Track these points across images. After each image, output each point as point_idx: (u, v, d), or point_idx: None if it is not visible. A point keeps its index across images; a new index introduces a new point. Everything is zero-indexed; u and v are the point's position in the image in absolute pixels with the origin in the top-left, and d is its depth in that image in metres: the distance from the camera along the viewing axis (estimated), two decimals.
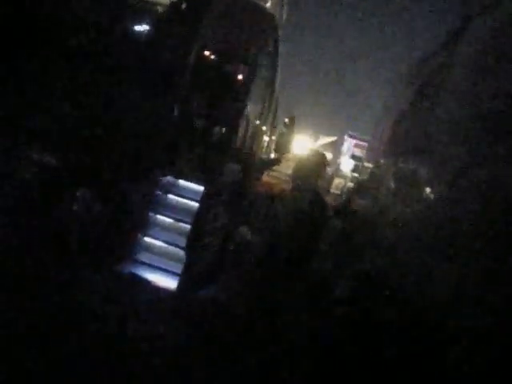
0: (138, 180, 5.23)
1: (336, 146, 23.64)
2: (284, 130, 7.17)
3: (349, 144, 21.56)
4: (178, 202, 5.52)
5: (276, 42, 6.33)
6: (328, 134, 24.77)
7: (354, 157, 19.76)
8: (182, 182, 5.60)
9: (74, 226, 5.11)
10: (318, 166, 3.38)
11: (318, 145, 23.93)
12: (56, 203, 5.35)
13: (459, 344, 2.56)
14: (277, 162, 6.90)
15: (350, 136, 21.61)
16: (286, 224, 3.18)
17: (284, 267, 3.13)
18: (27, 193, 5.35)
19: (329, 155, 21.06)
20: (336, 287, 3.61)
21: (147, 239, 5.38)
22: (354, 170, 17.78)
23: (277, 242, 3.24)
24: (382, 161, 6.70)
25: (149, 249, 5.33)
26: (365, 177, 8.51)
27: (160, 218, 5.48)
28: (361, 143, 20.15)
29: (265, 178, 6.40)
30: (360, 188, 8.02)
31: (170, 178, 5.56)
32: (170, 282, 4.91)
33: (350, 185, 16.85)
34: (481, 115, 3.47)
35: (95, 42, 5.37)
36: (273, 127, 8.33)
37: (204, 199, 4.55)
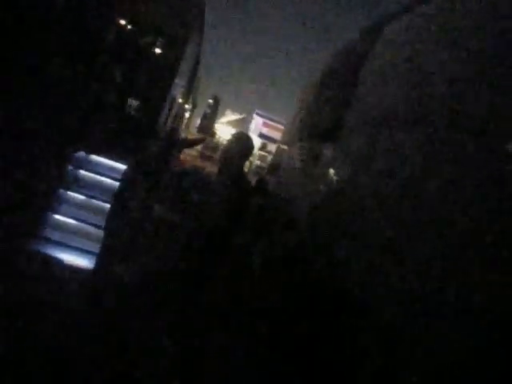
0: (50, 155, 4.91)
1: (244, 124, 23.90)
2: (208, 110, 7.10)
3: (257, 122, 21.93)
4: (91, 178, 5.30)
5: (202, 18, 6.22)
6: (236, 111, 24.92)
7: (261, 135, 20.21)
8: (95, 157, 5.37)
9: None
10: (245, 149, 3.47)
11: (225, 121, 24.00)
12: None
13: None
14: (201, 141, 6.84)
15: (259, 114, 21.95)
16: (211, 207, 3.26)
17: (206, 244, 3.25)
18: None
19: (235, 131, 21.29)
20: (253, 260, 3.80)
21: (58, 217, 5.11)
22: (261, 148, 18.25)
23: (202, 222, 3.32)
24: (293, 143, 7.02)
25: (60, 227, 5.08)
26: (277, 157, 8.83)
27: (72, 194, 5.23)
28: (269, 122, 20.66)
29: (188, 157, 6.36)
30: (273, 167, 8.33)
31: (82, 153, 5.30)
32: (83, 261, 4.76)
33: (258, 163, 17.32)
34: (389, 103, 3.82)
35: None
36: (194, 106, 8.22)
37: (124, 176, 4.45)
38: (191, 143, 6.48)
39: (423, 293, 2.32)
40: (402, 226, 2.84)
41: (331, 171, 4.63)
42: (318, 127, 5.83)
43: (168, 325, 3.55)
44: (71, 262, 4.62)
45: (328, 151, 5.02)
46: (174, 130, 6.78)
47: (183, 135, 7.63)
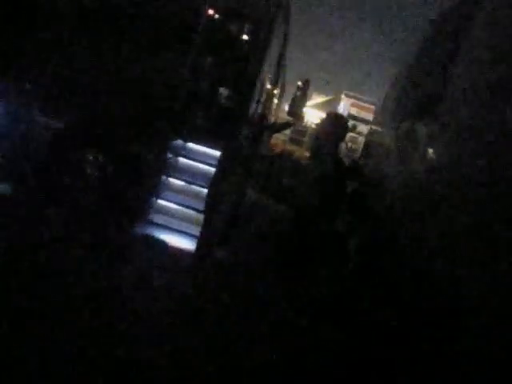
0: (150, 142, 5.26)
1: (332, 106, 23.36)
2: (298, 93, 7.10)
3: (345, 103, 21.33)
4: (189, 165, 5.58)
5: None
6: (324, 93, 24.41)
7: (350, 116, 19.64)
8: (193, 145, 5.64)
9: (87, 189, 5.19)
10: (339, 130, 3.43)
11: (313, 104, 23.66)
12: (68, 166, 5.40)
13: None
14: (291, 125, 6.89)
15: (347, 95, 21.33)
16: (310, 188, 3.28)
17: (306, 230, 3.26)
18: (37, 156, 5.38)
19: (323, 114, 20.90)
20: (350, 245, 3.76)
21: (160, 201, 5.47)
22: (351, 130, 17.75)
23: (301, 206, 3.35)
24: (388, 123, 6.77)
25: (162, 211, 5.43)
26: (371, 139, 8.57)
27: (172, 180, 5.56)
28: (358, 103, 20.02)
29: (278, 142, 6.43)
30: (367, 149, 8.10)
31: (181, 141, 5.59)
32: (185, 243, 5.05)
33: (348, 145, 16.96)
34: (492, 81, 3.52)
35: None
36: (282, 89, 8.26)
37: (220, 163, 4.62)
38: (280, 128, 6.50)
39: None
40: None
41: (430, 151, 4.40)
42: (413, 105, 5.55)
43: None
44: (175, 244, 4.94)
45: (425, 129, 4.77)
46: (264, 116, 6.88)
47: (273, 120, 7.72)
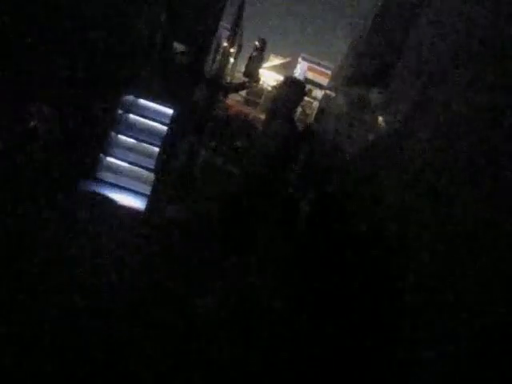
0: (100, 98, 5.05)
1: (288, 69, 23.22)
2: (254, 53, 6.97)
3: (302, 67, 21.27)
4: (141, 122, 5.43)
5: None
6: (281, 55, 24.20)
7: (306, 80, 19.62)
8: (145, 101, 5.47)
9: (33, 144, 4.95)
10: (296, 95, 3.43)
11: (269, 66, 23.42)
12: (9, 119, 5.09)
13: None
14: (247, 86, 6.80)
15: (304, 59, 21.25)
16: (263, 151, 3.29)
17: (256, 192, 3.30)
18: None
19: (279, 77, 20.79)
20: (301, 206, 3.85)
21: (110, 159, 5.33)
22: (306, 94, 17.81)
23: (253, 168, 3.36)
24: (341, 88, 6.84)
25: (112, 169, 5.30)
26: (324, 103, 8.66)
27: (123, 138, 5.40)
28: (315, 67, 20.02)
29: (233, 102, 6.35)
30: (319, 114, 8.21)
31: (132, 97, 5.41)
32: (135, 202, 4.99)
33: (302, 109, 17.05)
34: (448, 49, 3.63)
35: None
36: (239, 49, 8.09)
37: (173, 121, 4.53)
38: (236, 88, 6.42)
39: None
40: (448, 175, 2.79)
41: (380, 118, 4.52)
42: (367, 72, 5.63)
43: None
44: (124, 203, 4.86)
45: (376, 97, 4.88)
46: (220, 75, 6.75)
47: (228, 80, 7.57)
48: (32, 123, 5.13)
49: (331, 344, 2.79)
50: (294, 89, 3.37)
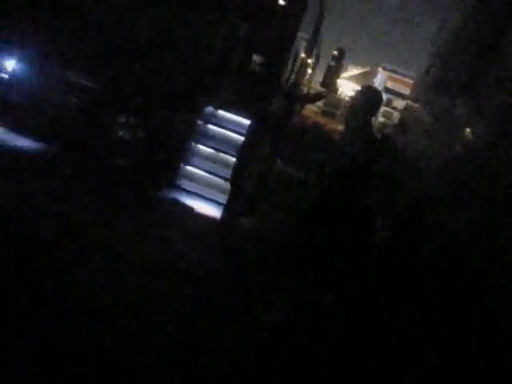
0: (181, 109, 5.26)
1: (368, 78, 22.72)
2: (332, 63, 6.90)
3: (382, 76, 20.73)
4: (219, 132, 5.58)
5: None
6: (360, 65, 23.76)
7: (386, 89, 19.04)
8: (223, 112, 5.61)
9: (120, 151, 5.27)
10: (372, 104, 3.32)
11: (347, 76, 23.05)
12: (99, 129, 5.47)
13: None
14: (323, 96, 6.74)
15: (384, 68, 20.71)
16: (340, 163, 3.21)
17: (334, 204, 3.21)
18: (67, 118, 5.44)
19: (357, 87, 20.36)
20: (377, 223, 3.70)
21: (189, 168, 5.52)
22: (386, 104, 17.22)
23: (329, 179, 3.29)
24: (425, 99, 6.54)
25: (190, 177, 5.48)
26: (406, 114, 8.32)
27: (201, 147, 5.58)
28: (395, 76, 19.42)
29: (309, 113, 6.33)
30: (402, 124, 7.88)
31: (212, 108, 5.57)
32: (211, 210, 5.10)
33: (382, 120, 16.56)
34: None
35: None
36: (317, 60, 8.05)
37: (249, 131, 4.58)
38: (313, 98, 6.37)
39: None
40: None
41: (467, 130, 4.24)
42: (453, 81, 5.33)
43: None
44: (201, 211, 4.99)
45: (464, 108, 4.59)
46: (297, 86, 6.74)
47: (305, 90, 7.55)
48: (120, 133, 5.49)
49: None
50: (369, 98, 3.25)
